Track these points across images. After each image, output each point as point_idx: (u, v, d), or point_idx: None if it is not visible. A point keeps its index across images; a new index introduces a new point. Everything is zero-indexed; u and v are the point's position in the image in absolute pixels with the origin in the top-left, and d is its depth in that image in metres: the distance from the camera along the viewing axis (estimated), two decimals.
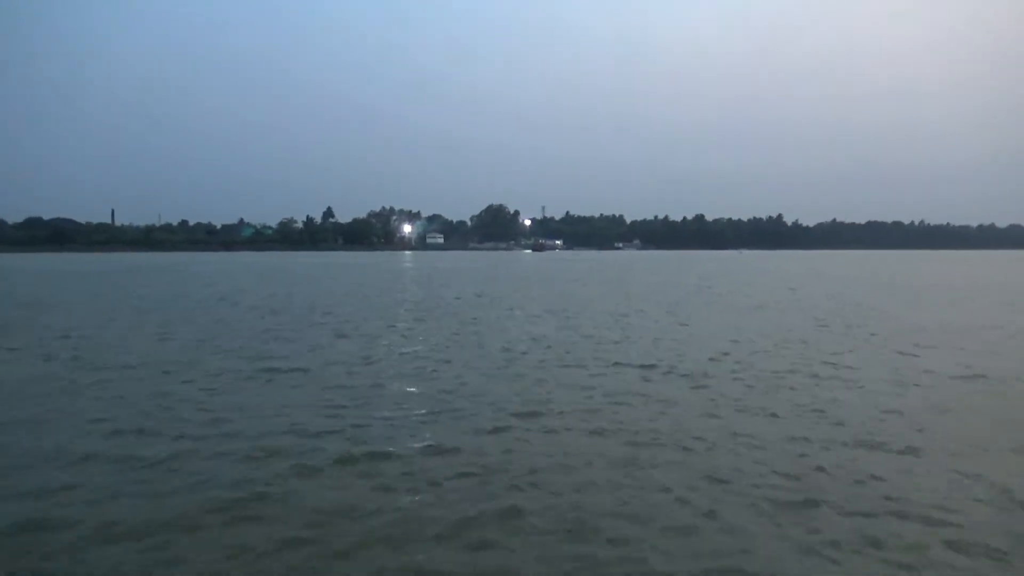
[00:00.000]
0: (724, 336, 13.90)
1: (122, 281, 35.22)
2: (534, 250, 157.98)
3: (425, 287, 30.76)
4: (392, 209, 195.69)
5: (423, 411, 7.74)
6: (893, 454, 6.31)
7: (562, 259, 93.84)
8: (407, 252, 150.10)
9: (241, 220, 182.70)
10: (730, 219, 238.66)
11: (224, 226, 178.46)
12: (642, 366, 10.53)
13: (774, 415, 7.63)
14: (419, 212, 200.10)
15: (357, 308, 20.08)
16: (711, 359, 11.20)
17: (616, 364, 10.71)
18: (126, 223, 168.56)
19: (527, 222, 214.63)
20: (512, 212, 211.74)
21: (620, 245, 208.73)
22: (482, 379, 9.54)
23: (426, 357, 11.30)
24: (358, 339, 13.46)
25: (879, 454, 6.31)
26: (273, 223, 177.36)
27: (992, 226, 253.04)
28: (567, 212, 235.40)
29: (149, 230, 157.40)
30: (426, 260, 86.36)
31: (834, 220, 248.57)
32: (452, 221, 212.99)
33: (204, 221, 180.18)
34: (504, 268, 57.00)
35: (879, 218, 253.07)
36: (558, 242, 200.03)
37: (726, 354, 11.69)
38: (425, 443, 6.53)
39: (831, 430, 7.04)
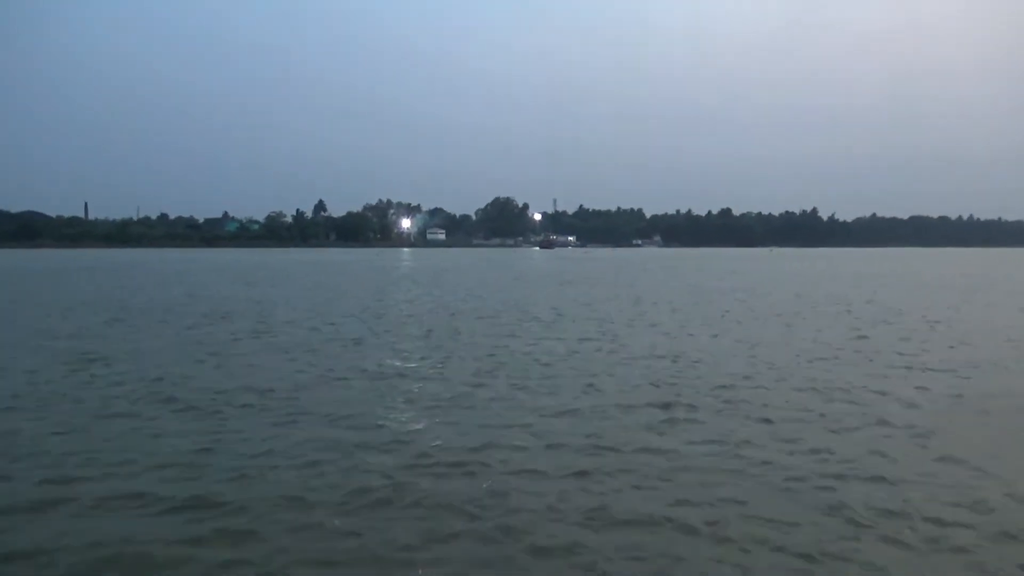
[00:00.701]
0: (744, 354, 12.28)
1: (61, 280, 34.08)
2: (542, 247, 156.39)
3: (408, 289, 29.31)
4: (389, 202, 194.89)
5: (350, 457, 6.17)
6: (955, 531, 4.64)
7: (571, 258, 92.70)
8: (405, 249, 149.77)
9: (225, 214, 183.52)
10: (759, 213, 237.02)
11: (207, 220, 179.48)
12: (622, 390, 8.92)
13: (794, 473, 5.97)
14: (419, 205, 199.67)
15: (314, 315, 18.59)
16: (721, 387, 9.55)
17: (593, 388, 9.09)
18: (100, 217, 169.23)
19: (537, 217, 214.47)
20: (520, 206, 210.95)
21: (639, 242, 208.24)
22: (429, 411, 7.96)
23: (375, 376, 9.76)
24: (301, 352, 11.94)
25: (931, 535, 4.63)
26: (260, 217, 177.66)
27: None
28: (580, 206, 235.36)
29: (124, 224, 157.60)
30: (424, 257, 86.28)
31: (874, 215, 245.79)
32: (455, 215, 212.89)
33: (185, 215, 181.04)
34: (506, 268, 55.84)
35: (923, 212, 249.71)
36: (570, 238, 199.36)
37: (745, 378, 10.04)
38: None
39: (872, 491, 5.37)
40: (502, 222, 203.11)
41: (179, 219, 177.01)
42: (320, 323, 16.60)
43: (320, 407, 8.10)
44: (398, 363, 11.17)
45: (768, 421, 7.61)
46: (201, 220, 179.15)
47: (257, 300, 22.85)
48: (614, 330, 15.41)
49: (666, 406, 8.22)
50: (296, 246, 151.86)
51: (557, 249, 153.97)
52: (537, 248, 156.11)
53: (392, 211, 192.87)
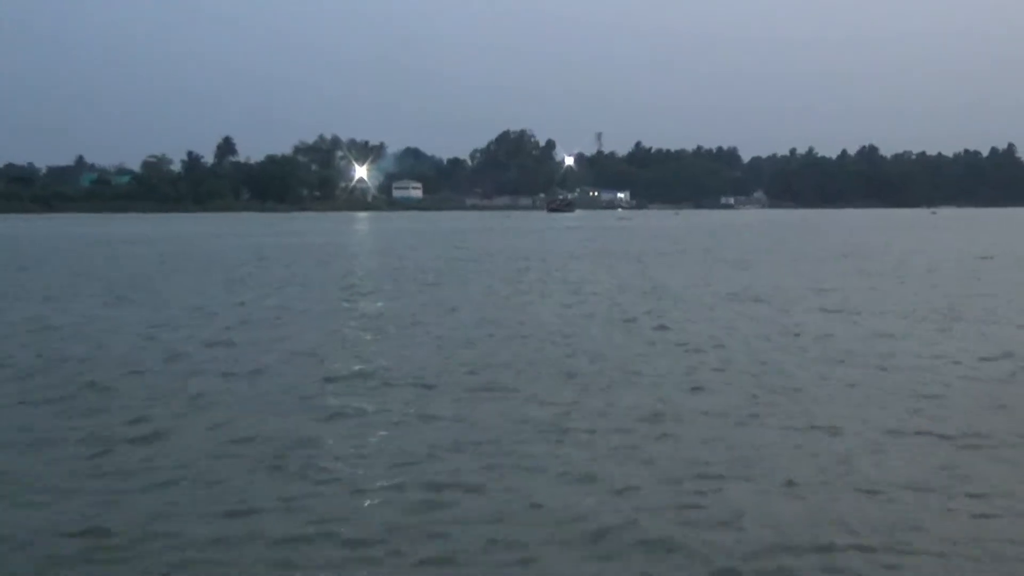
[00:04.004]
0: None
1: None
2: (552, 210, 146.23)
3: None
4: (336, 140, 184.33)
5: None
6: None
7: (593, 226, 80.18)
8: (361, 214, 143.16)
9: (80, 160, 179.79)
10: (923, 154, 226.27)
11: (52, 170, 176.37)
12: None
13: None
14: (382, 145, 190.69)
15: None
16: None
17: None
18: None
19: (569, 161, 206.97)
20: (542, 144, 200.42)
21: (731, 200, 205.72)
22: None
23: None
24: None
25: None
26: (134, 165, 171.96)
27: None
28: (637, 143, 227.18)
29: None
30: (372, 226, 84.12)
31: None
32: (442, 160, 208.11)
33: (20, 162, 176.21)
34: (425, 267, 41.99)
35: None
36: (620, 195, 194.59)
37: None
38: None
39: None
40: (515, 170, 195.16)
41: (9, 168, 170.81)
42: None
43: None
44: None
45: None
46: (44, 169, 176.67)
47: None
48: None
49: None
50: (186, 210, 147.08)
51: (580, 212, 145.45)
52: (559, 213, 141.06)
53: (340, 154, 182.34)
